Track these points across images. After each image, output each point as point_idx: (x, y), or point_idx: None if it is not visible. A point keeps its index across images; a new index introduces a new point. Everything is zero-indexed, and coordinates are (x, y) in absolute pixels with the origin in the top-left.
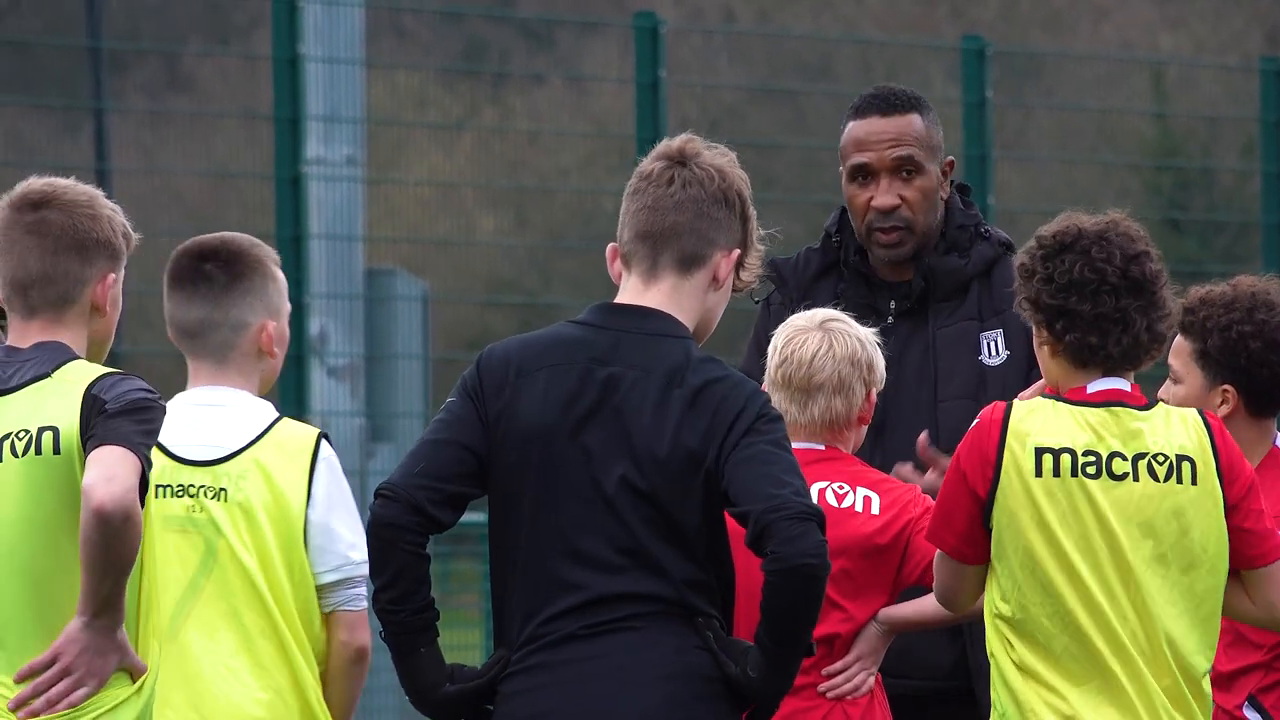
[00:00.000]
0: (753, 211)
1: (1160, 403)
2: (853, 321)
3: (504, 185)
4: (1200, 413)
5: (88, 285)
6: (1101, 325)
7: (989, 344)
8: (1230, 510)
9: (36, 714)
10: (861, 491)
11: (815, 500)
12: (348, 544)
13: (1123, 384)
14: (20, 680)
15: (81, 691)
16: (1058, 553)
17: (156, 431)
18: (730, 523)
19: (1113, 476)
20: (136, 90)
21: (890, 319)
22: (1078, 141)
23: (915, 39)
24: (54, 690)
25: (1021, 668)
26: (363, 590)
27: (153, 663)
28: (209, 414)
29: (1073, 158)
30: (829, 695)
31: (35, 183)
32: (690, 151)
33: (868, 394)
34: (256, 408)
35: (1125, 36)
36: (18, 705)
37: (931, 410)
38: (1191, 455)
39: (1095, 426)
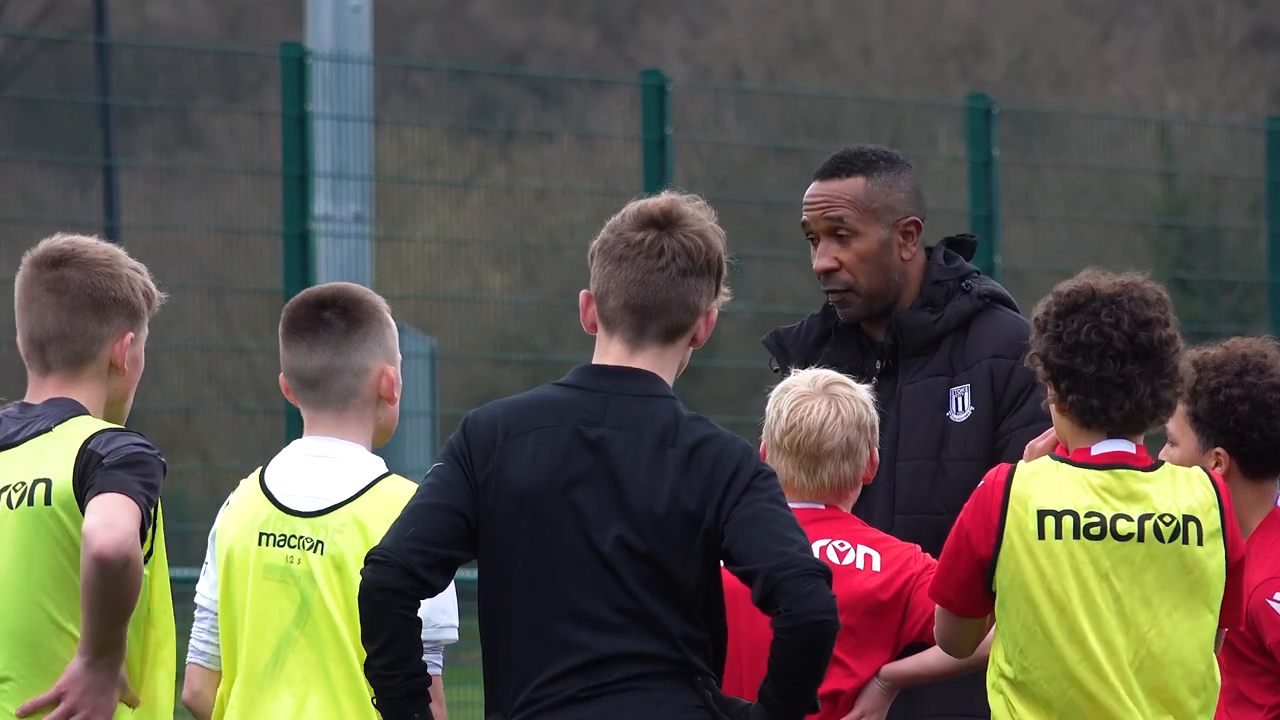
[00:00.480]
0: (725, 265)
1: (1165, 463)
2: (852, 382)
3: (512, 242)
4: (1206, 472)
5: (105, 344)
6: (1104, 389)
7: (957, 399)
8: (1230, 570)
9: None
10: (862, 549)
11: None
12: (438, 608)
13: (1128, 446)
14: (23, 715)
15: None
16: (1061, 614)
17: (156, 485)
18: (727, 580)
19: (1117, 537)
20: (146, 147)
21: (874, 378)
22: (1084, 200)
23: (922, 98)
24: None
25: None
26: (438, 658)
27: (163, 696)
28: (320, 465)
29: (1079, 216)
30: None
31: (57, 240)
32: (675, 215)
33: (870, 455)
34: (366, 462)
35: (1132, 95)
36: None
37: (890, 467)
38: (1197, 515)
39: (1098, 489)
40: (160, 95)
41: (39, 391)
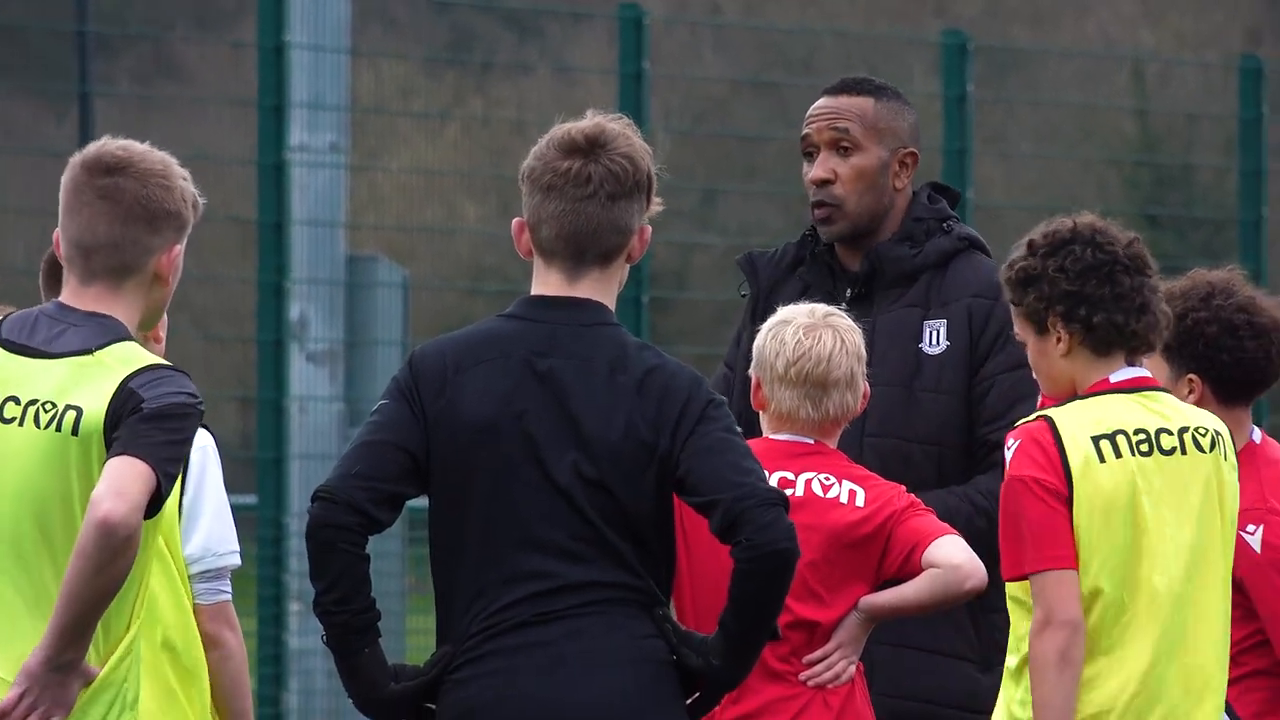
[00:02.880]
0: (654, 180)
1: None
2: (844, 314)
3: (487, 174)
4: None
5: (153, 255)
6: (1123, 304)
7: (932, 332)
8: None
9: None
10: (847, 484)
11: (803, 490)
12: (217, 537)
13: (1144, 371)
14: None
15: None
16: (1136, 530)
17: (188, 442)
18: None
19: (1163, 452)
20: (123, 75)
21: (844, 305)
22: (1058, 137)
23: (897, 33)
24: None
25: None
26: (226, 584)
27: (134, 660)
28: None
29: (1053, 153)
30: (809, 683)
31: (110, 145)
32: (599, 140)
33: (864, 387)
34: None
35: (1107, 32)
36: None
37: None
38: (1223, 434)
39: (1133, 408)
40: (137, 24)
41: (79, 298)
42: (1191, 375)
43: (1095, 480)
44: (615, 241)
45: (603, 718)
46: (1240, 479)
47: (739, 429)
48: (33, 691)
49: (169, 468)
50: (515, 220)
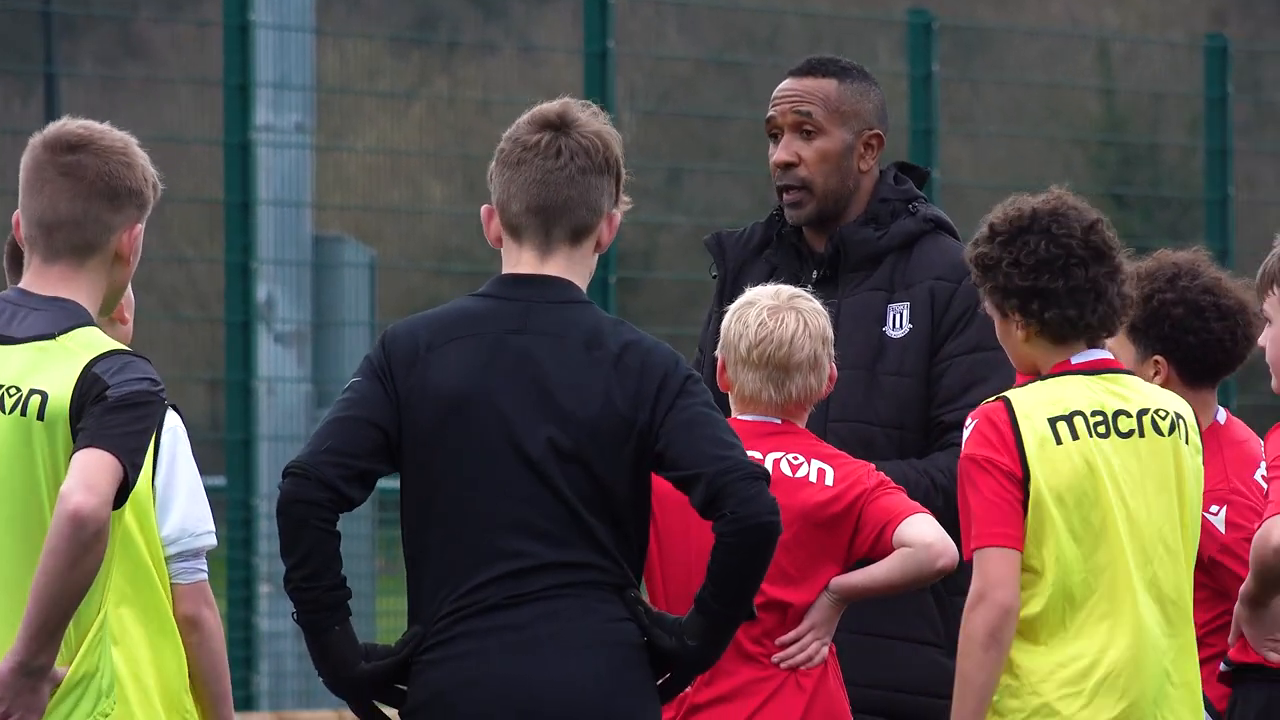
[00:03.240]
0: (624, 169)
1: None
2: (810, 295)
3: (454, 154)
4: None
5: (114, 233)
6: (1077, 297)
7: (895, 316)
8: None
9: None
10: (816, 464)
11: (771, 470)
12: (194, 517)
13: (1106, 354)
14: None
15: None
16: (1090, 513)
17: (151, 430)
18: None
19: (1120, 434)
20: (88, 56)
21: (809, 288)
22: (1024, 116)
23: (863, 12)
24: None
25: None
26: (202, 563)
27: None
28: None
29: (1019, 132)
30: (782, 665)
31: (71, 124)
32: (569, 117)
33: (830, 370)
34: None
35: (1072, 12)
36: None
37: None
38: (1185, 416)
39: (1091, 390)
40: (102, 4)
41: (42, 279)
42: (1157, 356)
43: (1051, 462)
44: (584, 217)
45: (574, 700)
46: (1204, 460)
47: (718, 406)
48: (4, 699)
49: (135, 458)
50: (484, 207)
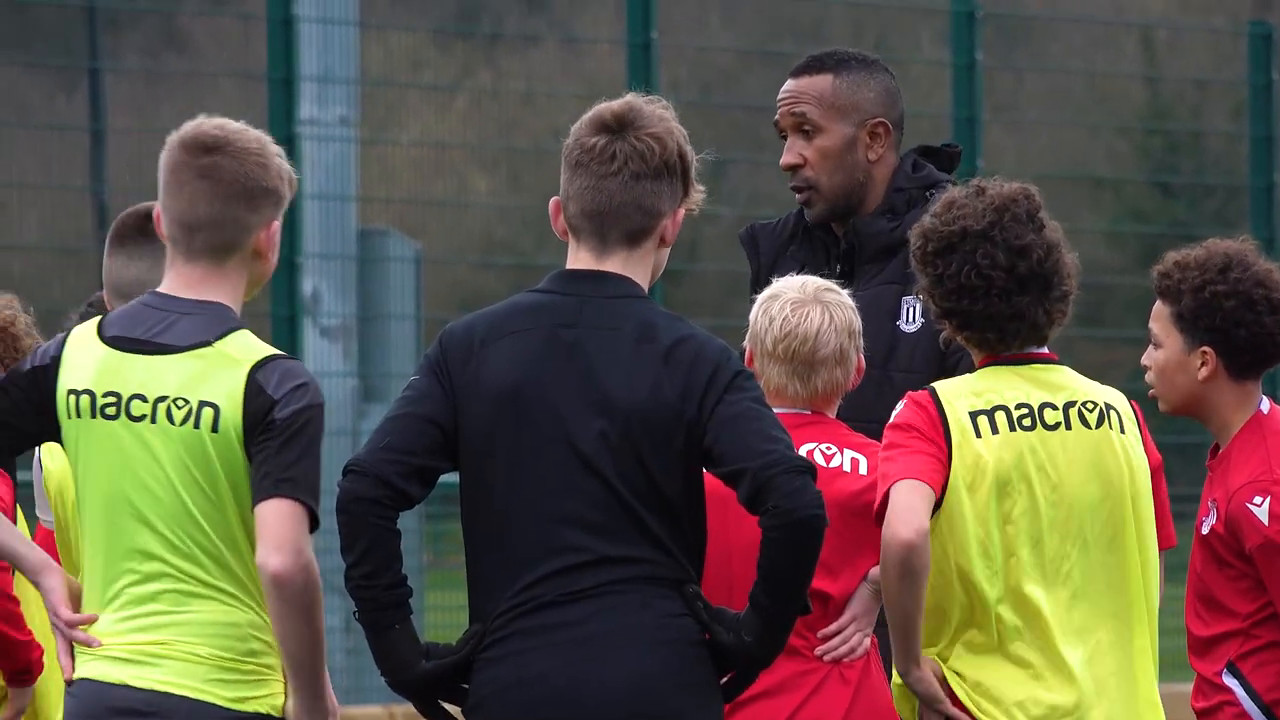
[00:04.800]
0: (692, 158)
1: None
2: (838, 288)
3: (498, 146)
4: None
5: (252, 232)
6: (997, 323)
7: (909, 309)
8: (1152, 472)
9: None
10: (849, 453)
11: None
12: None
13: (1036, 350)
14: None
15: None
16: (1022, 506)
17: (319, 441)
18: (716, 485)
19: (1046, 426)
20: (132, 50)
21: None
22: (1068, 104)
23: (906, 1)
24: None
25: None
26: None
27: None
28: None
29: (1063, 120)
30: (825, 658)
31: (206, 125)
32: (629, 119)
33: (858, 361)
34: None
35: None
36: None
37: None
38: (1116, 406)
39: (1018, 383)
40: None
41: (184, 279)
42: (1205, 348)
43: (974, 453)
44: (640, 221)
45: (628, 699)
46: (1247, 450)
47: (767, 401)
48: None
49: (315, 488)
50: (552, 200)
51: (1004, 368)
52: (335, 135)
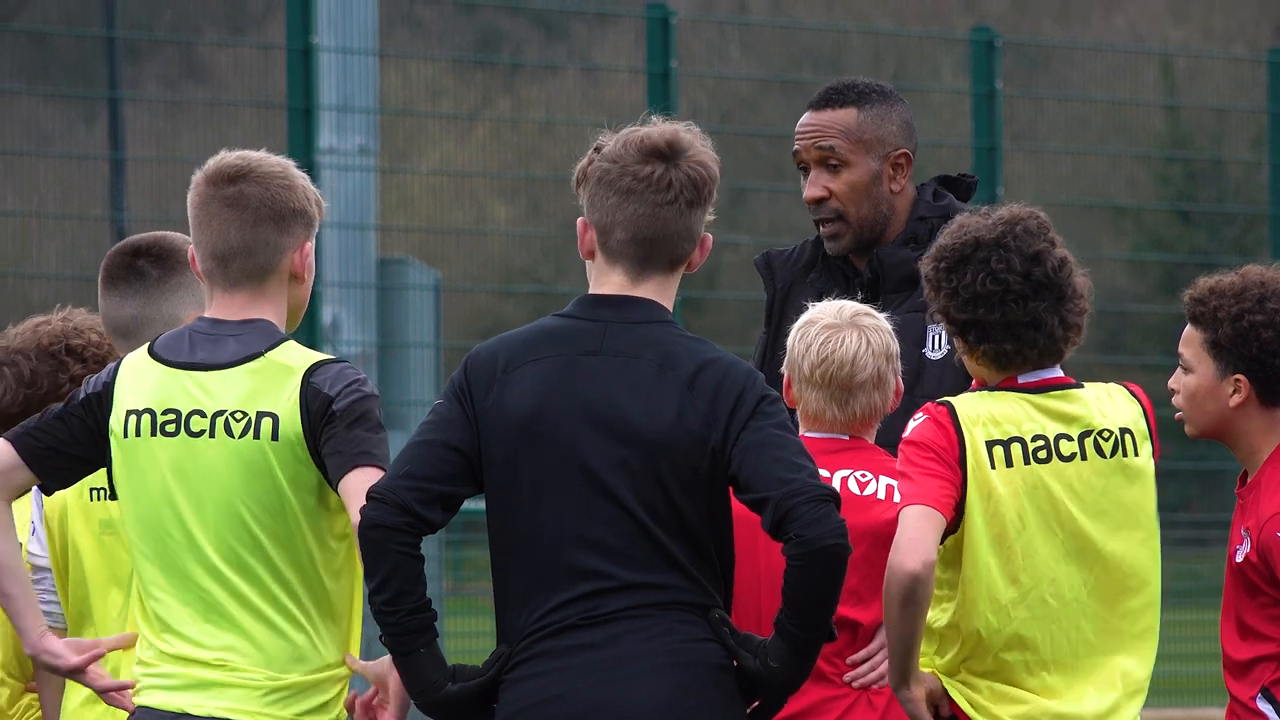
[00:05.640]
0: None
1: (1086, 384)
2: (874, 311)
3: (517, 175)
4: (1124, 386)
5: (285, 254)
6: (1014, 331)
7: (935, 337)
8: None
9: None
10: (884, 480)
11: (838, 487)
12: None
13: (1053, 372)
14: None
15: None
16: (1025, 539)
17: (383, 428)
18: (742, 511)
19: (1061, 458)
20: (152, 80)
21: None
22: (1087, 133)
23: (926, 30)
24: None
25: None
26: None
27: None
28: None
29: (1082, 149)
30: (854, 684)
31: (228, 157)
32: (679, 146)
33: (896, 384)
34: None
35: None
36: None
37: None
38: (1130, 426)
39: (1035, 411)
40: (165, 28)
41: (228, 307)
42: (1239, 376)
43: (987, 483)
44: (685, 249)
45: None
46: (1271, 479)
47: (793, 426)
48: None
49: (388, 461)
50: (580, 220)
51: (1022, 395)
52: (355, 164)
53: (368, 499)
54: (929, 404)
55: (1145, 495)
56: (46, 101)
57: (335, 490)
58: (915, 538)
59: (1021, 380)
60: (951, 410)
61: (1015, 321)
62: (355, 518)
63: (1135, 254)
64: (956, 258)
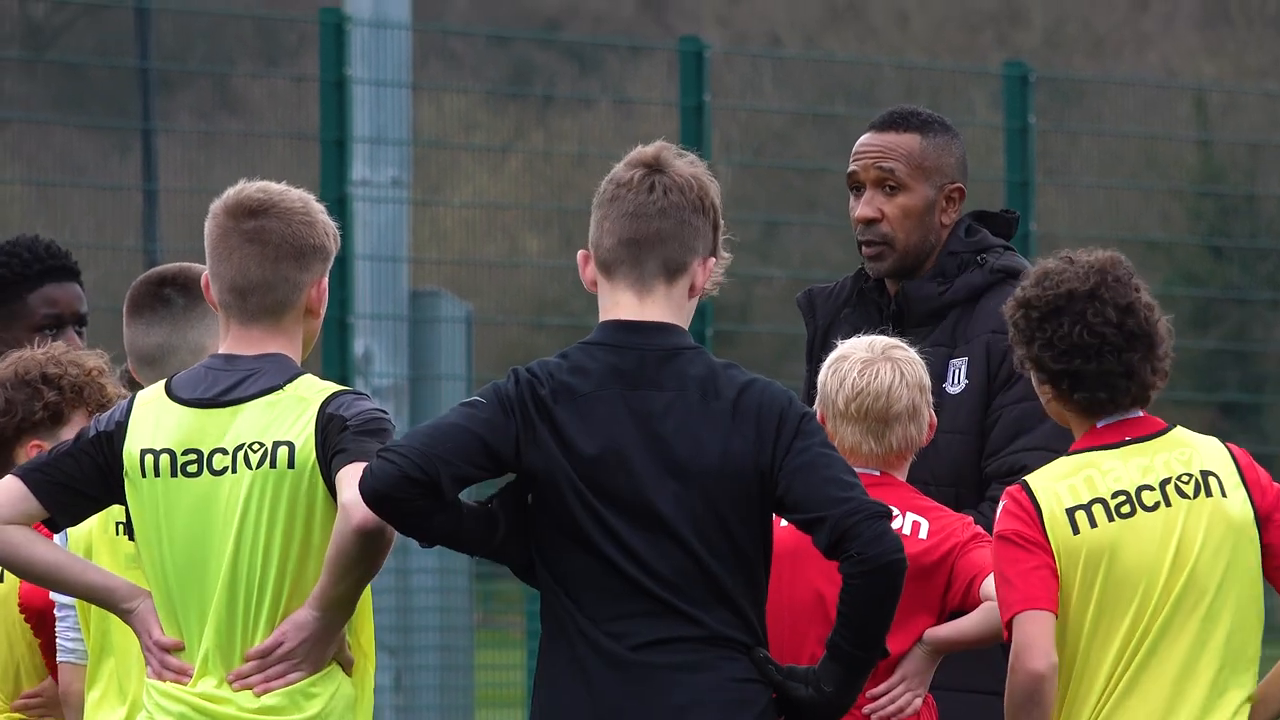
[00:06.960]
0: (721, 214)
1: (1175, 426)
2: (906, 345)
3: (549, 207)
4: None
5: (304, 290)
6: (1109, 381)
7: (955, 372)
8: (1263, 521)
9: (251, 687)
10: (911, 516)
11: None
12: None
13: (1135, 414)
14: (247, 660)
15: (295, 675)
16: (1110, 592)
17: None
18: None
19: (1145, 509)
20: (185, 111)
21: None
22: (1120, 167)
23: (959, 65)
24: (272, 669)
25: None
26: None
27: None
28: None
29: (1115, 184)
30: (873, 717)
31: (249, 189)
32: (665, 159)
33: (930, 417)
34: None
35: (1169, 63)
36: (236, 678)
37: None
38: (1214, 470)
39: (1115, 466)
40: (199, 59)
41: (244, 341)
42: None
43: (1071, 548)
44: (676, 251)
45: None
46: None
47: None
48: (293, 639)
49: None
50: (580, 252)
51: (1101, 453)
52: (387, 196)
53: (379, 455)
54: (1008, 489)
55: (1235, 532)
56: (80, 132)
57: (334, 485)
58: (1035, 640)
59: (1101, 428)
60: (1026, 487)
61: (1111, 371)
62: (348, 498)
63: (1167, 289)
64: (1050, 308)
